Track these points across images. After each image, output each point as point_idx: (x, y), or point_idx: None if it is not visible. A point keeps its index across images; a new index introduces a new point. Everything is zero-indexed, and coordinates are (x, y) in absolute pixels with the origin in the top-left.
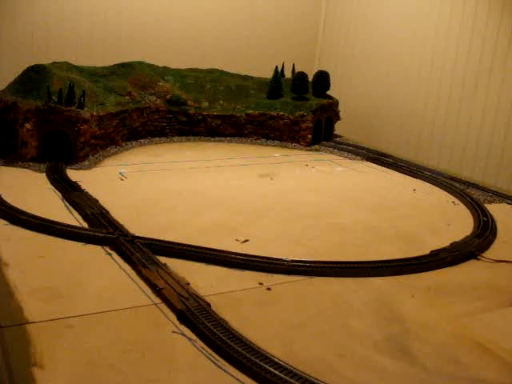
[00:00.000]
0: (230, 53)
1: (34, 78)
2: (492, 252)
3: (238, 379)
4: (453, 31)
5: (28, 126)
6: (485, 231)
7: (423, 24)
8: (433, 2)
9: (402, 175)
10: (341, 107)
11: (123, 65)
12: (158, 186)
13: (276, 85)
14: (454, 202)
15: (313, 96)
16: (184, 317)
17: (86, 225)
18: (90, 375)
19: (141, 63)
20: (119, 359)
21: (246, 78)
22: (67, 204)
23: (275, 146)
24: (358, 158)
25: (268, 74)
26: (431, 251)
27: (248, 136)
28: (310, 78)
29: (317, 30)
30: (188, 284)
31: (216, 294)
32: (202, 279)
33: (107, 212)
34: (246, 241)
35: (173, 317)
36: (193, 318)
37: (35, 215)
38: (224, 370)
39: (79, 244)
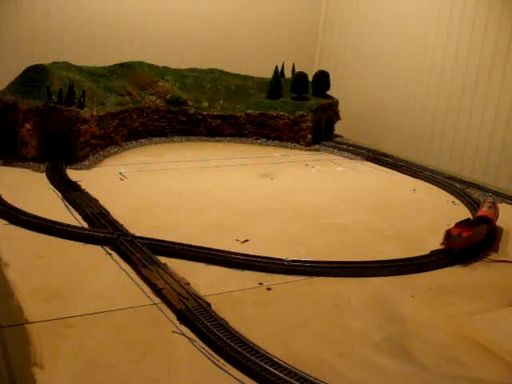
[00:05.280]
0: (230, 53)
1: (34, 78)
2: (492, 252)
3: (238, 379)
4: (453, 31)
5: (28, 125)
6: None
7: (423, 24)
8: (433, 2)
9: (402, 175)
10: (341, 107)
11: (123, 65)
12: (157, 185)
13: (276, 85)
14: (454, 202)
15: (313, 96)
16: (184, 317)
17: (85, 225)
18: (90, 375)
19: (141, 63)
20: (119, 359)
21: (245, 78)
22: (67, 204)
23: (275, 145)
24: (358, 158)
25: (268, 73)
26: (431, 251)
27: (248, 136)
28: (310, 78)
29: (317, 30)
30: (188, 284)
31: (216, 293)
32: (202, 279)
33: (107, 212)
34: (246, 241)
35: (173, 317)
36: (193, 318)
37: (35, 215)
38: (224, 370)
39: (79, 244)
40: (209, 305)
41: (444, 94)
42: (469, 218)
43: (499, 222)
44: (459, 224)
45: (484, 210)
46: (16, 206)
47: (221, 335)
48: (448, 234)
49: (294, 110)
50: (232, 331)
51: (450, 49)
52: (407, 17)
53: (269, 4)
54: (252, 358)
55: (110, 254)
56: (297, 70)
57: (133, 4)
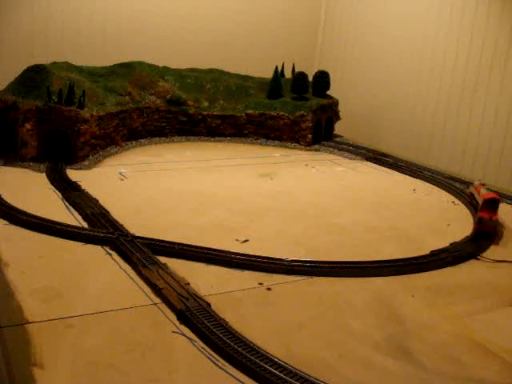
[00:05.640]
0: (230, 53)
1: (34, 78)
2: (492, 252)
3: (238, 379)
4: (453, 31)
5: (28, 125)
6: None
7: (423, 24)
8: (433, 3)
9: (402, 175)
10: (341, 107)
11: (123, 65)
12: (157, 185)
13: (276, 85)
14: (454, 202)
15: (313, 96)
16: (184, 317)
17: (85, 225)
18: (90, 375)
19: (141, 63)
20: (119, 359)
21: (245, 78)
22: (67, 204)
23: (275, 145)
24: (358, 158)
25: (268, 73)
26: (431, 251)
27: (248, 136)
28: (310, 78)
29: (316, 30)
30: (188, 284)
31: (216, 294)
32: (202, 279)
33: (107, 212)
34: (246, 241)
35: (173, 317)
36: (193, 318)
37: (35, 215)
38: (224, 370)
39: (79, 244)
40: (209, 305)
41: (444, 93)
42: (486, 200)
43: (501, 222)
44: (483, 208)
45: (487, 193)
46: (16, 206)
47: (221, 335)
48: (480, 218)
49: (293, 110)
50: (232, 331)
51: (449, 49)
52: (407, 17)
53: (269, 4)
54: (252, 358)
55: (110, 254)
56: (297, 70)
57: (133, 4)
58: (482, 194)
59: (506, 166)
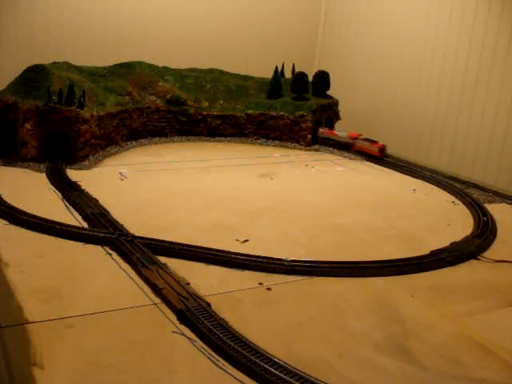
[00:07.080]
0: (230, 53)
1: (34, 77)
2: (492, 252)
3: (238, 379)
4: (453, 31)
5: (28, 125)
6: (485, 231)
7: (423, 24)
8: (432, 3)
9: (402, 175)
10: (341, 107)
11: (123, 65)
12: (157, 186)
13: (276, 85)
14: (454, 202)
15: (313, 96)
16: (184, 317)
17: (86, 225)
18: (90, 375)
19: (141, 63)
20: (119, 359)
21: (245, 78)
22: (67, 204)
23: (275, 145)
24: (358, 157)
25: (268, 73)
26: (431, 251)
27: (248, 136)
28: (310, 78)
29: (317, 30)
30: (188, 284)
31: (216, 294)
32: (202, 279)
33: (107, 212)
34: (246, 241)
35: (173, 317)
36: (193, 318)
37: (35, 215)
38: (224, 370)
39: (79, 244)
40: (209, 305)
41: (444, 93)
42: (367, 138)
43: (499, 222)
44: (372, 143)
45: (354, 133)
46: (16, 206)
47: (221, 335)
48: (381, 148)
49: (293, 109)
50: (232, 331)
51: (449, 49)
52: (407, 17)
53: (269, 4)
54: (252, 358)
55: (110, 254)
56: (297, 70)
57: (133, 4)
58: (349, 134)
59: (506, 165)
